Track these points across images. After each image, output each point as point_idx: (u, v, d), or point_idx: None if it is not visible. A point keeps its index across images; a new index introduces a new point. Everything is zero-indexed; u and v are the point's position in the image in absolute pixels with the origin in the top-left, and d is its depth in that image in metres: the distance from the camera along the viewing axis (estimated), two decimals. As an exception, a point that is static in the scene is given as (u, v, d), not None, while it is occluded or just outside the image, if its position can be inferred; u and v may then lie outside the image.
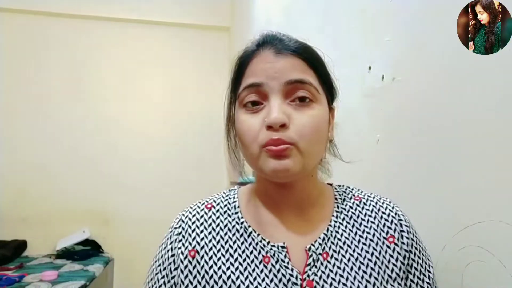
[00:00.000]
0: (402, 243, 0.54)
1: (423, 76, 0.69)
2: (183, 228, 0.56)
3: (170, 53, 3.05)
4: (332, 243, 0.54)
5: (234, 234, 0.55)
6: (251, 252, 0.53)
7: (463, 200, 0.59)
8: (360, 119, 0.91)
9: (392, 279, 0.52)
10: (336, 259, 0.52)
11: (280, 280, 0.50)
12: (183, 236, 0.55)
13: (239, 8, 2.80)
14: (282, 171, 0.49)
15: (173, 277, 0.53)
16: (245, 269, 0.51)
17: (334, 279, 0.50)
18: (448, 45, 0.61)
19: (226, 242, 0.54)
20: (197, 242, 0.54)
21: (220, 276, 0.51)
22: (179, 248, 0.54)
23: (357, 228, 0.55)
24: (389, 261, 0.53)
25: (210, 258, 0.53)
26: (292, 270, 0.50)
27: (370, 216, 0.57)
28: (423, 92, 0.69)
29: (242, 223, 0.56)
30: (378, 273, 0.52)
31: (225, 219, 0.57)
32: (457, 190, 0.60)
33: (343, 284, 0.50)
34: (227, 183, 2.86)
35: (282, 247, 0.52)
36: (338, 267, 0.52)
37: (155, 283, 0.54)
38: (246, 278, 0.50)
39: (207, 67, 3.07)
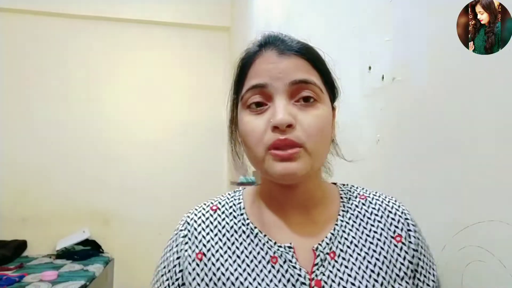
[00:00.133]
0: (410, 242, 0.54)
1: (423, 76, 0.69)
2: (189, 231, 0.56)
3: (169, 53, 3.06)
4: (339, 242, 0.53)
5: (240, 236, 0.55)
6: (258, 253, 0.53)
7: (463, 200, 0.58)
8: (360, 119, 0.91)
9: (400, 278, 0.52)
10: (343, 258, 0.52)
11: (288, 280, 0.50)
12: (189, 239, 0.55)
13: (239, 8, 2.80)
14: (290, 174, 0.49)
15: (177, 279, 0.53)
16: (253, 270, 0.51)
17: (342, 278, 0.50)
18: (448, 45, 0.61)
19: (232, 244, 0.54)
20: (203, 244, 0.54)
21: (228, 278, 0.51)
22: (186, 250, 0.54)
23: (363, 227, 0.55)
24: (396, 260, 0.53)
25: (217, 260, 0.52)
26: (300, 270, 0.50)
27: (376, 215, 0.56)
28: (423, 92, 0.69)
29: (248, 224, 0.55)
30: (386, 272, 0.52)
31: (231, 220, 0.56)
32: (457, 190, 0.60)
33: (351, 283, 0.50)
34: (227, 183, 2.86)
35: (289, 247, 0.52)
36: (346, 267, 0.51)
37: (160, 285, 0.55)
38: (254, 279, 0.50)
39: (206, 67, 3.08)
